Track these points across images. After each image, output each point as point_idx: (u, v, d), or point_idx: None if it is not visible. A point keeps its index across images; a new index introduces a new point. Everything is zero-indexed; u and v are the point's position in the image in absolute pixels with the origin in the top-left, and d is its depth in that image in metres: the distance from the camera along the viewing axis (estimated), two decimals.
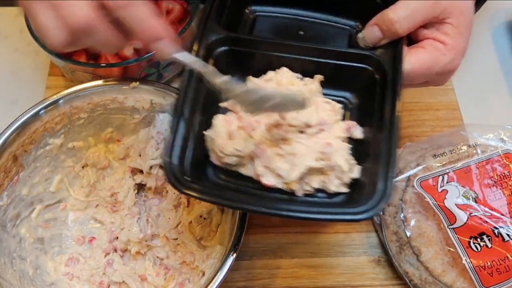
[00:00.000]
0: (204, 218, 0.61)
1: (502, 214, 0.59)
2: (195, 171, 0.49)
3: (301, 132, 0.51)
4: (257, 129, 0.51)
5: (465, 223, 0.58)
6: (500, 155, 0.63)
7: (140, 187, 0.67)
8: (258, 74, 0.56)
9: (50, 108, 0.60)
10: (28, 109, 0.59)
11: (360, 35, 0.55)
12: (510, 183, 0.61)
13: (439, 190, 0.61)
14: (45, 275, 0.60)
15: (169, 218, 0.63)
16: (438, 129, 0.74)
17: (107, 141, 0.67)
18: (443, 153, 0.65)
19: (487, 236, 0.58)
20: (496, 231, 0.58)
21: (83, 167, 0.67)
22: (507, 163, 0.63)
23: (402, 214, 0.63)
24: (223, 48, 0.54)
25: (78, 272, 0.62)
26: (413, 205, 0.63)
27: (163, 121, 0.63)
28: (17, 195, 0.60)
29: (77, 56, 0.74)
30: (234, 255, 0.51)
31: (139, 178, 0.65)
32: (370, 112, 0.52)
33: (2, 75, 0.79)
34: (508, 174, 0.62)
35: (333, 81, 0.55)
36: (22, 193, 0.61)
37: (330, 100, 0.55)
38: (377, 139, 0.49)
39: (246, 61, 0.56)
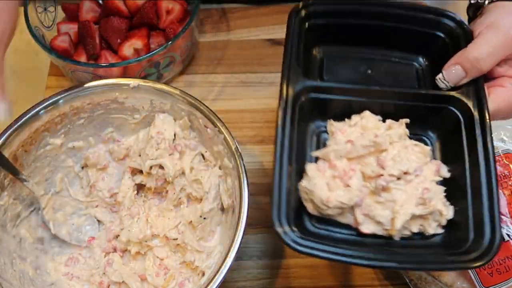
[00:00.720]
0: (204, 218, 0.61)
1: (502, 214, 0.59)
2: (297, 222, 0.50)
3: (398, 178, 0.52)
4: (353, 177, 0.52)
5: None
6: (500, 155, 0.63)
7: (140, 187, 0.67)
8: (338, 117, 0.57)
9: (50, 108, 0.60)
10: (28, 109, 0.59)
11: (440, 76, 0.55)
12: (510, 183, 0.61)
13: None
14: (45, 275, 0.60)
15: (169, 218, 0.63)
16: None
17: (106, 141, 0.67)
18: None
19: None
20: None
21: (82, 167, 0.67)
22: (507, 163, 0.63)
23: None
24: (305, 97, 0.56)
25: (78, 272, 0.62)
26: None
27: (163, 121, 0.63)
28: (17, 195, 0.60)
29: (77, 56, 0.74)
30: (234, 255, 0.51)
31: (138, 179, 0.65)
32: (456, 151, 0.54)
33: None
34: (508, 174, 0.62)
35: (412, 121, 0.56)
36: (22, 193, 0.61)
37: (419, 143, 0.55)
38: (472, 177, 0.51)
39: (327, 106, 0.57)
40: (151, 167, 0.63)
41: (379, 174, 0.51)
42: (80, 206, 0.66)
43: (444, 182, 0.54)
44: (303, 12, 0.59)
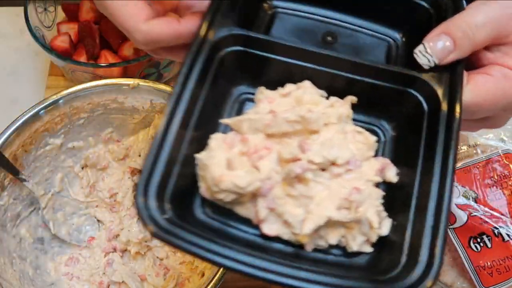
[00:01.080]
0: None
1: (502, 214, 0.59)
2: (178, 204, 0.38)
3: (323, 169, 0.39)
4: (265, 158, 0.40)
5: (465, 223, 0.58)
6: (500, 155, 0.63)
7: None
8: (273, 84, 0.44)
9: (50, 108, 0.60)
10: (28, 109, 0.59)
11: (420, 48, 0.42)
12: (510, 183, 0.61)
13: None
14: (45, 275, 0.60)
15: None
16: None
17: (107, 141, 0.67)
18: None
19: (487, 236, 0.58)
20: (496, 231, 0.58)
21: (82, 167, 0.67)
22: (507, 163, 0.63)
23: None
24: (232, 48, 0.44)
25: (78, 272, 0.62)
26: None
27: None
28: (17, 195, 0.60)
29: (77, 56, 0.74)
30: None
31: (138, 179, 0.65)
32: (410, 150, 0.41)
33: (2, 75, 0.79)
34: (508, 174, 0.62)
35: (366, 104, 0.44)
36: (22, 193, 0.61)
37: (363, 130, 0.42)
38: (421, 187, 0.39)
39: (259, 67, 0.45)
40: None
41: (297, 158, 0.38)
42: (80, 206, 0.66)
43: (388, 188, 0.41)
44: None
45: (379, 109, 0.45)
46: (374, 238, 0.39)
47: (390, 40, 0.50)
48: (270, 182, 0.39)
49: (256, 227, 0.39)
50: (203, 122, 0.41)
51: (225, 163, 0.39)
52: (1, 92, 0.77)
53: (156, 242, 0.62)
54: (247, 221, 0.40)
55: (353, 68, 0.43)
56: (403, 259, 0.36)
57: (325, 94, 0.44)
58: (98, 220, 0.66)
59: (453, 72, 0.41)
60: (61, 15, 0.78)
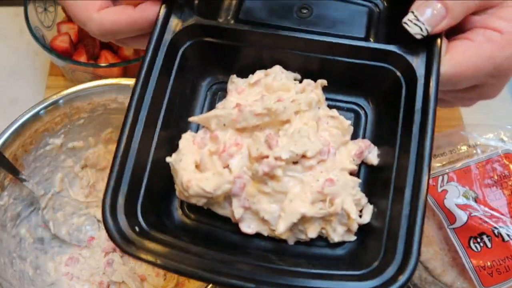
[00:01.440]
0: None
1: (502, 214, 0.59)
2: (152, 211, 0.37)
3: (295, 163, 0.38)
4: (236, 155, 0.38)
5: (465, 223, 0.58)
6: (500, 155, 0.63)
7: None
8: (245, 71, 0.42)
9: (50, 108, 0.60)
10: (28, 109, 0.59)
11: (409, 16, 0.38)
12: (510, 183, 0.61)
13: (439, 190, 0.61)
14: (45, 275, 0.60)
15: None
16: (437, 129, 0.74)
17: (106, 142, 0.67)
18: (443, 153, 0.65)
19: (487, 236, 0.58)
20: (496, 231, 0.58)
21: (82, 168, 0.67)
22: (507, 163, 0.63)
23: None
24: (193, 40, 0.41)
25: (78, 272, 0.62)
26: None
27: None
28: (17, 195, 0.60)
29: (77, 56, 0.74)
30: None
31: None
32: (391, 128, 0.39)
33: (2, 75, 0.79)
34: (508, 174, 0.62)
35: (342, 83, 0.42)
36: (22, 193, 0.61)
37: (337, 114, 0.41)
38: (398, 169, 0.37)
39: (227, 56, 0.42)
40: None
41: (264, 155, 0.36)
42: (80, 206, 0.66)
43: (370, 170, 0.40)
44: None
45: (358, 87, 0.43)
46: (354, 228, 0.38)
47: (371, 5, 0.46)
48: (242, 181, 0.37)
49: (237, 225, 0.38)
50: (172, 121, 0.39)
51: (194, 166, 0.37)
52: (1, 92, 0.77)
53: None
54: (228, 220, 0.39)
55: (325, 48, 0.41)
56: (382, 251, 0.35)
57: (299, 77, 0.42)
58: (98, 220, 0.66)
59: (429, 41, 0.38)
60: (61, 15, 0.78)
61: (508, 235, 0.58)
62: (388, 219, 0.36)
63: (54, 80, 0.78)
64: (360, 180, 0.39)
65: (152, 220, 0.36)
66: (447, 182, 0.61)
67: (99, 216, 0.66)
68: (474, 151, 0.64)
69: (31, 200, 0.62)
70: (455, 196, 0.60)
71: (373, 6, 0.46)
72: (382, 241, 0.35)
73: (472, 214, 0.59)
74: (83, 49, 0.74)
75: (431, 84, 0.37)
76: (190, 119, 0.41)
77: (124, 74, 0.70)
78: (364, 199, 0.38)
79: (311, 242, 0.38)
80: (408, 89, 0.39)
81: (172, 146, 0.39)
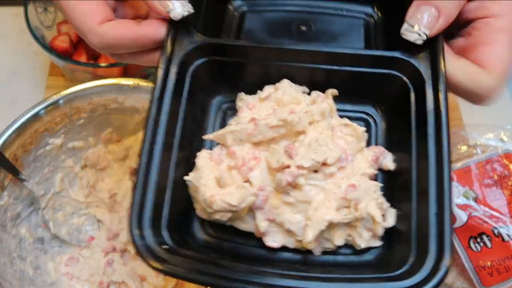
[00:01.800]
0: None
1: (502, 214, 0.59)
2: (176, 230, 0.37)
3: (315, 171, 0.38)
4: (255, 169, 0.39)
5: (465, 223, 0.58)
6: (500, 155, 0.63)
7: None
8: (252, 88, 0.43)
9: (50, 108, 0.60)
10: (28, 109, 0.59)
11: (405, 27, 0.39)
12: (510, 183, 0.61)
13: None
14: (45, 275, 0.60)
15: None
16: None
17: (106, 142, 0.67)
18: None
19: (487, 236, 0.58)
20: (496, 231, 0.58)
21: (82, 168, 0.67)
22: (507, 163, 0.63)
23: None
24: (202, 60, 0.42)
25: (78, 272, 0.62)
26: None
27: None
28: (17, 195, 0.60)
29: (77, 56, 0.74)
30: None
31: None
32: (403, 133, 0.40)
33: (2, 75, 0.79)
34: (508, 174, 0.62)
35: (349, 92, 0.42)
36: (22, 193, 0.61)
37: (350, 122, 0.41)
38: (419, 172, 0.37)
39: (234, 74, 0.43)
40: None
41: (286, 165, 0.37)
42: (80, 206, 0.66)
43: (387, 176, 0.41)
44: None
45: (365, 95, 0.43)
46: (380, 232, 0.38)
47: (366, 17, 0.48)
48: (264, 193, 0.38)
49: (260, 239, 0.39)
50: (186, 141, 0.40)
51: (215, 182, 0.38)
52: (1, 92, 0.77)
53: None
54: (251, 235, 0.39)
55: (330, 58, 0.41)
56: (413, 250, 0.35)
57: (307, 90, 0.43)
58: (98, 220, 0.66)
59: (430, 43, 0.39)
60: (61, 15, 0.78)
61: (508, 235, 0.58)
62: (416, 221, 0.36)
63: (54, 80, 0.78)
64: (381, 184, 0.39)
65: (176, 238, 0.37)
66: None
67: (99, 216, 0.66)
68: (474, 151, 0.64)
69: (31, 200, 0.62)
70: (455, 196, 0.60)
71: (368, 17, 0.48)
72: (410, 243, 0.36)
73: (472, 214, 0.59)
74: (83, 49, 0.74)
75: (440, 84, 0.38)
76: (205, 136, 0.42)
77: (124, 74, 0.70)
78: (385, 203, 0.39)
79: (337, 251, 0.39)
80: (417, 92, 0.39)
81: (188, 165, 0.40)
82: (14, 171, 0.58)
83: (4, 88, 0.78)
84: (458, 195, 0.60)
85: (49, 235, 0.63)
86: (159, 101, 0.39)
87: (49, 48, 0.71)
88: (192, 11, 0.40)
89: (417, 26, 0.39)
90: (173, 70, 0.40)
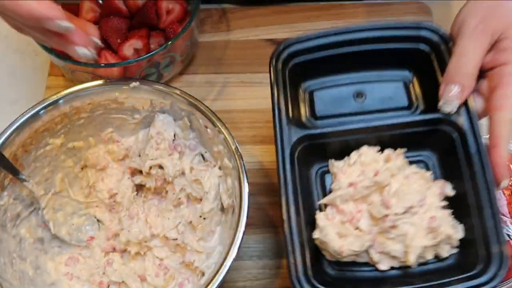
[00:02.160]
0: (204, 218, 0.61)
1: (502, 214, 0.59)
2: (315, 270, 0.51)
3: (404, 212, 0.52)
4: (361, 219, 0.54)
5: None
6: None
7: (140, 187, 0.66)
8: (338, 155, 0.59)
9: (50, 108, 0.60)
10: (28, 109, 0.59)
11: (441, 103, 0.54)
12: (510, 183, 0.61)
13: None
14: (45, 275, 0.60)
15: (168, 218, 0.63)
16: None
17: (106, 142, 0.67)
18: None
19: None
20: None
21: (82, 168, 0.67)
22: (507, 163, 0.63)
23: None
24: (303, 145, 0.56)
25: (78, 272, 0.62)
26: None
27: (163, 121, 0.63)
28: (17, 195, 0.60)
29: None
30: (234, 255, 0.51)
31: (138, 179, 0.65)
32: (455, 168, 0.54)
33: (2, 75, 0.79)
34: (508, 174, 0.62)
35: (408, 145, 0.57)
36: (22, 193, 0.61)
37: (418, 170, 0.56)
38: (473, 196, 0.52)
39: (325, 149, 0.59)
40: (150, 167, 0.63)
41: (385, 214, 0.52)
42: (80, 206, 0.66)
43: (448, 200, 0.55)
44: (283, 55, 0.59)
45: (422, 145, 0.58)
46: (456, 243, 0.53)
47: (405, 80, 0.62)
48: (372, 236, 0.53)
49: (373, 265, 0.54)
50: (305, 206, 0.54)
51: (337, 236, 0.53)
52: (1, 92, 0.78)
53: (156, 242, 0.62)
54: (365, 264, 0.55)
55: (392, 128, 0.57)
56: (481, 253, 0.49)
57: (379, 149, 0.57)
58: (98, 220, 0.66)
59: (464, 103, 0.54)
60: None
61: (508, 235, 0.58)
62: (479, 231, 0.50)
63: (54, 80, 0.78)
64: (451, 211, 0.54)
65: (319, 280, 0.50)
66: None
67: (99, 216, 0.66)
68: None
69: (31, 200, 0.62)
70: None
71: (405, 78, 0.62)
72: (477, 248, 0.50)
73: None
74: None
75: (476, 133, 0.53)
76: (322, 201, 0.57)
77: (124, 74, 0.70)
78: (455, 222, 0.53)
79: (427, 262, 0.54)
80: (461, 140, 0.54)
81: (310, 225, 0.54)
82: (14, 171, 0.58)
83: (4, 88, 0.78)
84: None
85: (49, 235, 0.63)
86: (285, 184, 0.52)
87: (49, 48, 0.71)
88: (96, 57, 0.56)
89: (450, 101, 0.53)
90: (287, 161, 0.54)
